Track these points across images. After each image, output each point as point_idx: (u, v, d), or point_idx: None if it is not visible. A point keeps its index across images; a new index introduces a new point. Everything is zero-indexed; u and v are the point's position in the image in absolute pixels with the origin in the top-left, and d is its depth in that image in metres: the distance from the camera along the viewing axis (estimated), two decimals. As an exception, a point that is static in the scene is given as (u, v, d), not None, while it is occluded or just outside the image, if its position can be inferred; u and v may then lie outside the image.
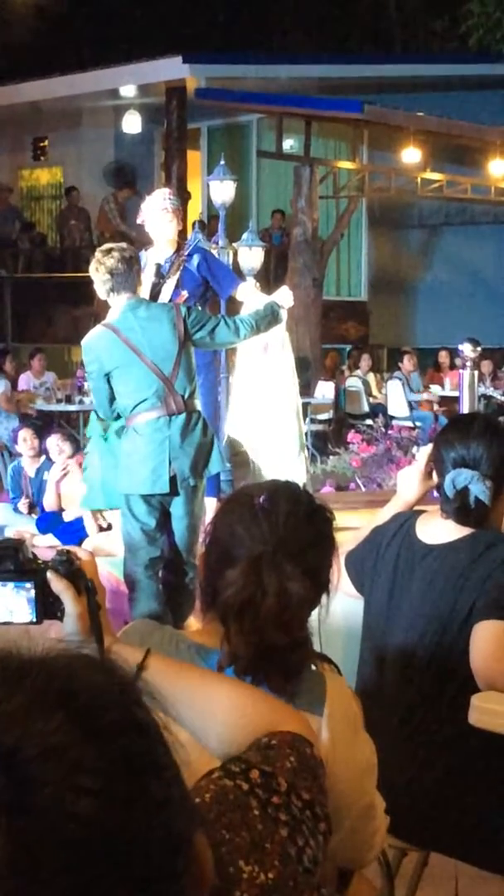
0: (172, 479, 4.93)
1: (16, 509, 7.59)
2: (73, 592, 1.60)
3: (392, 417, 12.28)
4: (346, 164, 14.86)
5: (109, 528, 6.24)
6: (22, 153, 18.60)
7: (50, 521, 6.90)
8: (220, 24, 21.54)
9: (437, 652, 2.58)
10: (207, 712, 1.49)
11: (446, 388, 14.09)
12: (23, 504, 7.57)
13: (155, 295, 6.01)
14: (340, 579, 1.94)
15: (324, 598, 1.88)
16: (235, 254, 7.66)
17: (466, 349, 5.28)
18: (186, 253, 6.19)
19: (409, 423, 11.50)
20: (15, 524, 7.26)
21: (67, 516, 6.82)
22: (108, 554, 5.62)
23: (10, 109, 16.62)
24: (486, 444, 2.65)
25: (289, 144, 14.58)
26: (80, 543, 5.82)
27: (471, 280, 16.91)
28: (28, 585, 1.62)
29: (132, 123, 16.60)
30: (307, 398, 11.51)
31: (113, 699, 0.89)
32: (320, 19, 21.81)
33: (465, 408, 5.24)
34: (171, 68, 14.81)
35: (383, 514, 2.86)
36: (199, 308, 5.63)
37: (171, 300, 5.94)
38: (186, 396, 5.00)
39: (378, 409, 13.21)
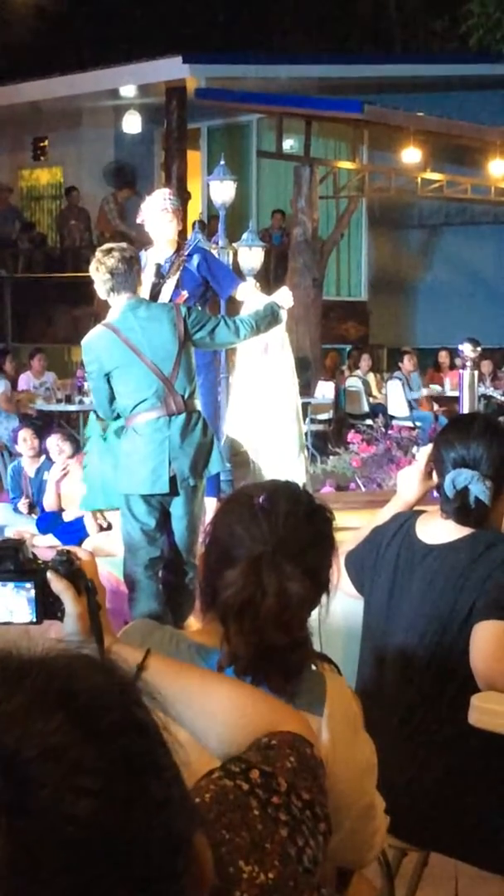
0: (172, 480, 4.93)
1: (16, 509, 7.59)
2: (73, 592, 1.60)
3: (392, 417, 12.27)
4: (346, 164, 14.86)
5: (109, 527, 6.24)
6: (22, 153, 18.61)
7: (50, 521, 6.90)
8: (220, 24, 21.53)
9: (437, 652, 2.58)
10: (207, 712, 1.49)
11: (446, 388, 14.09)
12: (23, 504, 7.56)
13: (155, 295, 6.01)
14: (340, 579, 1.94)
15: (324, 597, 1.88)
16: (235, 254, 7.66)
17: (466, 349, 5.28)
18: (186, 253, 6.19)
19: (409, 423, 11.50)
20: (15, 524, 7.26)
21: (67, 516, 6.82)
22: (108, 554, 5.62)
23: (10, 109, 16.62)
24: (486, 444, 2.65)
25: (289, 144, 14.58)
26: (80, 543, 5.82)
27: (471, 280, 16.91)
28: (28, 585, 1.62)
29: (132, 123, 16.60)
30: (307, 398, 11.51)
31: (113, 699, 0.89)
32: (320, 19, 21.80)
33: (465, 408, 5.24)
34: (171, 68, 14.81)
35: (383, 514, 2.86)
36: (199, 308, 5.63)
37: (171, 300, 5.94)
38: (186, 396, 5.00)
39: (378, 409, 13.20)
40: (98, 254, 5.07)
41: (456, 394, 9.69)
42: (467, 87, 16.04)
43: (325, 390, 13.31)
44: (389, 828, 1.95)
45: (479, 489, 2.61)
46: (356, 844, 1.85)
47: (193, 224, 12.21)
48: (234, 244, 7.70)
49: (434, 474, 2.77)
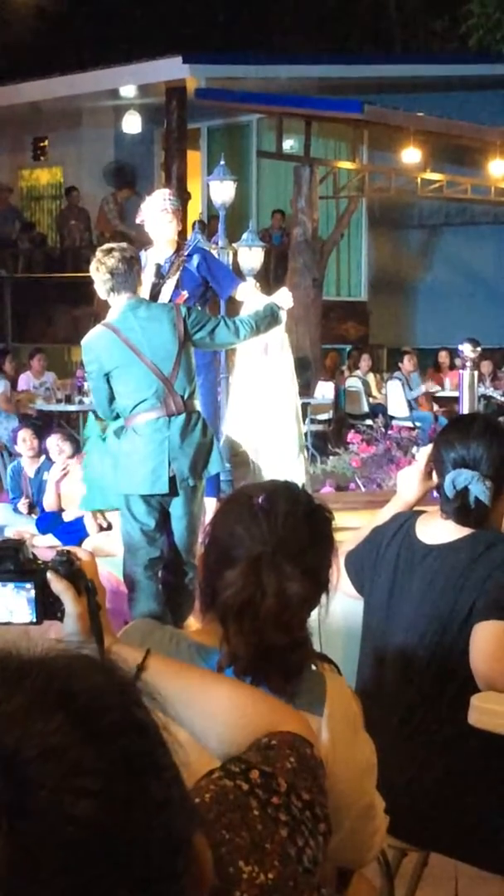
0: (172, 480, 4.93)
1: (16, 509, 7.59)
2: (74, 593, 1.60)
3: (392, 418, 12.27)
4: (346, 165, 14.86)
5: (109, 527, 6.24)
6: (22, 153, 18.61)
7: (50, 522, 6.90)
8: (220, 24, 21.54)
9: (437, 652, 2.58)
10: (207, 712, 1.49)
11: (446, 388, 14.09)
12: (23, 504, 7.57)
13: (155, 295, 6.01)
14: (340, 579, 1.94)
15: (323, 597, 1.88)
16: (235, 254, 7.66)
17: (466, 349, 5.28)
18: (186, 253, 6.19)
19: (409, 424, 11.50)
20: (15, 524, 7.26)
21: (67, 516, 6.82)
22: (108, 554, 5.62)
23: (10, 109, 16.62)
24: (486, 444, 2.65)
25: (289, 144, 14.58)
26: (80, 543, 5.82)
27: (471, 280, 16.91)
28: (28, 586, 1.62)
29: (132, 123, 16.60)
30: (307, 398, 11.51)
31: (113, 700, 0.89)
32: (320, 19, 21.80)
33: (465, 408, 5.25)
34: (171, 68, 14.81)
35: (383, 515, 2.87)
36: (199, 308, 5.63)
37: (170, 300, 5.94)
38: (186, 397, 5.00)
39: (378, 410, 13.20)
40: (98, 254, 5.07)
41: (456, 394, 9.68)
42: (467, 88, 16.04)
43: (324, 390, 13.31)
44: (389, 828, 1.95)
45: (479, 489, 2.61)
46: (356, 844, 1.85)
47: (193, 224, 12.21)
48: (234, 244, 7.70)
49: (434, 474, 2.77)
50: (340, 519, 2.06)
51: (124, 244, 5.36)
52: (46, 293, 15.83)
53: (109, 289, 5.02)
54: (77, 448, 7.16)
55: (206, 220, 14.48)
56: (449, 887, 2.79)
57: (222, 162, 7.99)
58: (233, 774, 1.23)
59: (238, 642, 1.72)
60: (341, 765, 1.75)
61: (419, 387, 13.83)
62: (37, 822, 0.80)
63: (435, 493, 2.78)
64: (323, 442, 11.57)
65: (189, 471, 4.96)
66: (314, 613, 1.88)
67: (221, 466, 5.62)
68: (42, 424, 10.69)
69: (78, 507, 6.37)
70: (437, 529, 2.68)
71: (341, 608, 2.34)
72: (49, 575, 1.61)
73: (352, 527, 2.97)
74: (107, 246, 5.18)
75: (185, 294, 6.05)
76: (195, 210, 15.47)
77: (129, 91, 16.08)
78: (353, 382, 14.02)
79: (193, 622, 4.86)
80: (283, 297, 5.55)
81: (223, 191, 7.86)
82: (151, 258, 6.14)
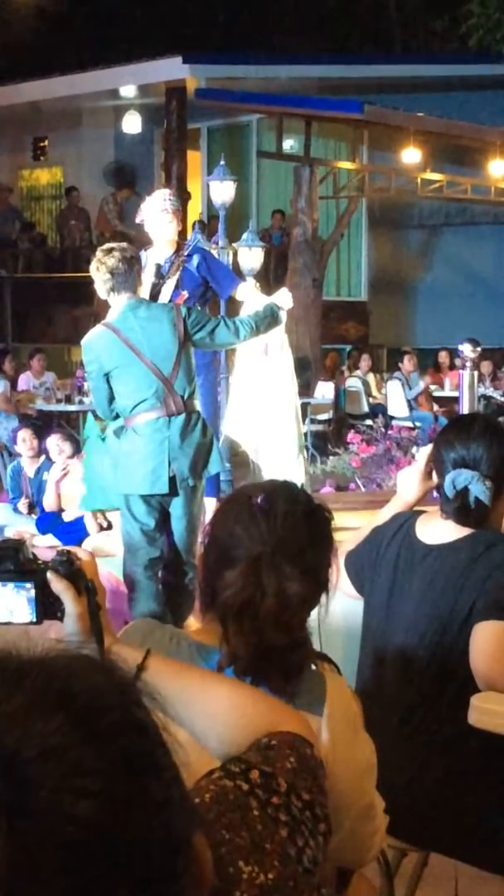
0: (172, 480, 4.93)
1: (15, 509, 7.59)
2: (74, 593, 1.60)
3: (392, 418, 12.27)
4: (346, 165, 14.86)
5: (110, 527, 6.24)
6: (22, 153, 18.61)
7: (50, 522, 6.90)
8: (220, 24, 21.54)
9: (437, 652, 2.58)
10: (207, 713, 1.49)
11: (446, 388, 14.09)
12: (22, 504, 7.56)
13: (155, 295, 6.01)
14: (339, 579, 1.94)
15: (323, 597, 1.88)
16: (235, 254, 7.66)
17: (466, 349, 5.28)
18: (186, 253, 6.19)
19: (409, 424, 11.49)
20: (15, 524, 7.26)
21: (67, 516, 6.82)
22: (108, 554, 5.62)
23: (10, 109, 16.62)
24: (486, 444, 2.65)
25: (289, 144, 14.58)
26: (80, 543, 5.82)
27: (471, 280, 16.91)
28: (28, 585, 1.62)
29: (132, 123, 16.60)
30: (307, 398, 11.51)
31: (113, 700, 0.89)
32: (320, 19, 21.80)
33: (464, 408, 5.25)
34: (171, 68, 14.81)
35: (383, 515, 2.86)
36: (199, 308, 5.63)
37: (170, 300, 5.94)
38: (186, 397, 5.00)
39: (378, 410, 13.20)
40: (98, 253, 5.07)
41: (456, 394, 9.68)
42: (467, 88, 16.04)
43: (324, 390, 13.31)
44: (389, 828, 1.95)
45: (479, 489, 2.61)
46: (356, 844, 1.85)
47: (193, 224, 12.21)
48: (234, 244, 7.70)
49: (434, 474, 2.77)
50: (340, 519, 2.06)
51: (124, 244, 5.36)
52: (46, 293, 15.83)
53: (109, 289, 5.02)
54: (77, 448, 7.16)
55: (206, 220, 14.48)
56: (449, 887, 2.79)
57: (222, 162, 7.98)
58: (233, 774, 1.23)
59: (238, 642, 1.72)
60: (341, 765, 1.75)
61: (418, 383, 13.80)
62: (37, 822, 0.80)
63: (435, 493, 2.78)
64: (323, 442, 11.56)
65: (189, 471, 4.96)
66: (314, 613, 1.88)
67: (221, 466, 5.62)
68: (42, 424, 10.69)
69: (78, 507, 6.37)
70: (437, 529, 2.68)
71: (341, 608, 2.34)
72: (49, 575, 1.61)
73: (352, 527, 2.97)
74: (107, 246, 5.18)
75: (185, 294, 6.05)
76: (195, 210, 15.47)
77: (129, 91, 16.08)
78: (353, 382, 14.02)
79: (193, 622, 4.86)
80: (283, 298, 5.55)
81: (223, 191, 7.86)
82: (151, 258, 6.14)
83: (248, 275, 7.35)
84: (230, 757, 1.31)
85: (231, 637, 1.73)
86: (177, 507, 5.02)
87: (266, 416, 6.27)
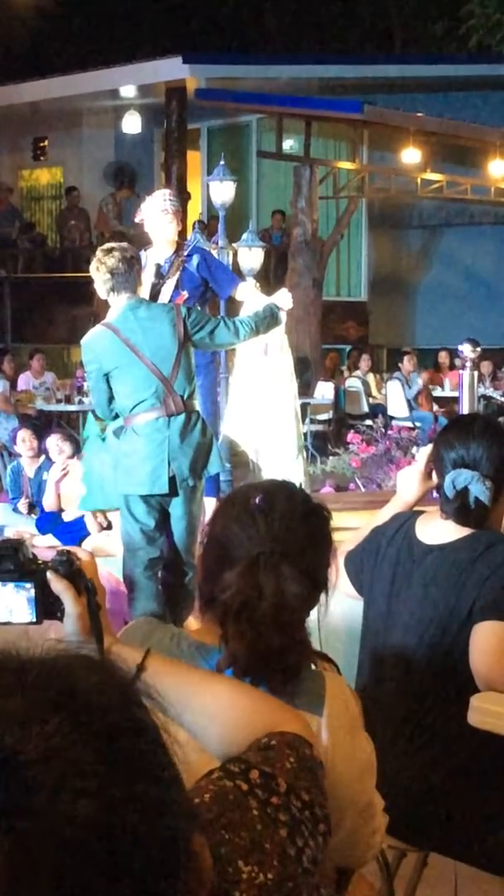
0: (172, 480, 4.93)
1: (15, 509, 7.59)
2: (73, 593, 1.60)
3: (392, 418, 12.27)
4: (345, 165, 14.86)
5: (109, 527, 6.24)
6: (22, 153, 18.61)
7: (50, 522, 6.90)
8: (220, 24, 21.55)
9: (437, 652, 2.58)
10: (207, 713, 1.49)
11: (446, 388, 14.09)
12: (22, 504, 7.57)
13: (154, 295, 6.01)
14: (339, 579, 1.94)
15: (323, 596, 1.87)
16: (235, 254, 7.66)
17: (466, 350, 5.28)
18: (186, 253, 6.19)
19: (409, 424, 11.50)
20: (15, 524, 7.26)
21: (67, 516, 6.81)
22: (108, 554, 5.62)
23: (10, 109, 16.62)
24: (485, 444, 2.65)
25: (289, 145, 14.58)
26: (80, 543, 5.82)
27: (471, 280, 16.91)
28: (28, 585, 1.62)
29: (132, 124, 16.60)
30: (307, 398, 11.52)
31: (112, 701, 0.89)
32: (320, 19, 21.81)
33: (464, 408, 5.25)
34: (171, 68, 14.81)
35: (383, 515, 2.86)
36: (199, 309, 5.63)
37: (170, 300, 5.94)
38: (186, 397, 4.99)
39: (378, 410, 13.20)
40: (99, 253, 5.07)
41: (456, 394, 9.68)
42: (467, 88, 16.05)
43: (324, 391, 13.31)
44: (389, 828, 1.95)
45: (479, 489, 2.61)
46: (356, 843, 1.84)
47: (193, 224, 12.22)
48: (234, 244, 7.70)
49: (434, 474, 2.77)
50: (340, 519, 2.06)
51: (125, 244, 5.35)
52: (46, 293, 15.83)
53: (109, 289, 5.02)
54: (77, 448, 7.16)
55: (206, 220, 14.48)
56: (448, 888, 2.79)
57: (222, 162, 7.99)
58: (232, 774, 1.23)
59: (237, 643, 1.72)
60: (341, 764, 1.75)
61: (417, 381, 13.78)
62: (37, 823, 0.80)
63: (435, 493, 2.78)
64: (323, 442, 11.57)
65: (189, 471, 4.95)
66: (313, 613, 1.88)
67: (221, 466, 5.62)
68: (42, 424, 10.70)
69: (78, 508, 6.36)
70: (437, 529, 2.68)
71: (341, 608, 2.34)
72: (49, 575, 1.61)
73: (351, 527, 2.97)
74: (107, 246, 5.18)
75: (184, 294, 6.05)
76: (195, 210, 15.47)
77: (129, 91, 16.08)
78: (352, 382, 14.02)
79: (193, 622, 4.86)
80: (283, 298, 5.55)
81: (223, 191, 7.86)
82: (151, 258, 6.14)
83: (248, 275, 7.35)
84: (230, 757, 1.31)
85: (230, 638, 1.73)
86: (176, 508, 5.02)
87: (266, 416, 6.27)
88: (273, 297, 5.59)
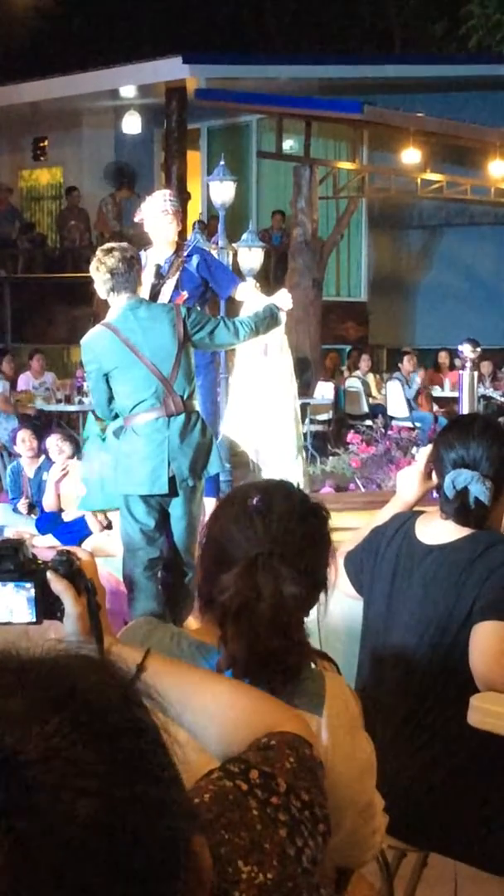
0: (171, 480, 4.93)
1: (15, 509, 7.59)
2: (73, 593, 1.60)
3: (392, 418, 12.27)
4: (345, 165, 14.86)
5: (109, 526, 6.24)
6: (22, 153, 18.61)
7: (49, 522, 6.90)
8: (220, 24, 21.55)
9: (437, 652, 2.58)
10: (207, 713, 1.49)
11: (446, 388, 14.09)
12: (22, 504, 7.56)
13: (154, 295, 6.01)
14: (339, 579, 1.94)
15: (322, 596, 1.87)
16: (235, 254, 7.66)
17: (466, 350, 5.28)
18: (186, 253, 6.19)
19: (409, 424, 11.50)
20: (15, 524, 7.26)
21: (67, 516, 6.81)
22: (108, 554, 5.62)
23: (10, 109, 16.63)
24: (485, 444, 2.65)
25: (289, 145, 14.58)
26: (80, 543, 5.82)
27: (471, 280, 16.91)
28: (28, 585, 1.62)
29: (132, 124, 16.61)
30: (307, 399, 11.52)
31: (113, 701, 0.89)
32: (320, 19, 21.82)
33: (464, 409, 5.25)
34: (171, 69, 14.81)
35: (383, 515, 2.86)
36: (199, 309, 5.63)
37: (170, 301, 5.94)
38: (185, 397, 5.00)
39: (378, 410, 13.20)
40: (99, 253, 5.07)
41: (456, 394, 9.68)
42: (467, 88, 16.05)
43: (324, 391, 13.31)
44: (389, 828, 1.95)
45: (479, 490, 2.61)
46: (355, 843, 1.84)
47: (193, 224, 12.22)
48: (234, 244, 7.70)
49: (434, 475, 2.77)
50: (340, 519, 2.06)
51: (125, 244, 5.35)
52: (46, 293, 15.84)
53: (109, 289, 5.02)
54: (77, 448, 7.16)
55: (206, 220, 14.48)
56: (448, 888, 2.79)
57: (222, 162, 7.99)
58: (232, 774, 1.23)
59: (236, 645, 1.72)
60: (341, 764, 1.75)
61: (416, 381, 13.78)
62: (37, 823, 0.80)
63: (435, 494, 2.78)
64: (323, 442, 11.57)
65: (188, 471, 4.96)
66: (313, 613, 1.88)
67: (221, 466, 5.62)
68: (42, 425, 10.70)
69: (77, 508, 6.36)
70: (437, 530, 2.68)
71: (341, 608, 2.34)
72: (49, 575, 1.61)
73: (351, 527, 2.97)
74: (107, 245, 5.18)
75: (184, 294, 6.05)
76: (195, 210, 15.47)
77: (129, 91, 16.08)
78: (352, 383, 14.02)
79: (193, 622, 4.86)
80: (283, 299, 5.55)
81: (223, 191, 7.86)
82: (151, 258, 6.14)
83: (248, 275, 7.36)
84: (229, 757, 1.31)
85: (229, 640, 1.73)
86: (176, 508, 5.02)
87: (265, 416, 6.27)
88: (273, 297, 5.60)
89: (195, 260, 6.17)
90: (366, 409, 13.65)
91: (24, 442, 7.74)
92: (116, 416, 5.13)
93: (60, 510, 6.92)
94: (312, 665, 1.87)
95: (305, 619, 1.83)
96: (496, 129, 14.19)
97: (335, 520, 1.94)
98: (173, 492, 4.96)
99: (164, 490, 4.92)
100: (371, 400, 13.99)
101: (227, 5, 21.76)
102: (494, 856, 2.55)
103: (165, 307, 5.33)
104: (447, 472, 2.66)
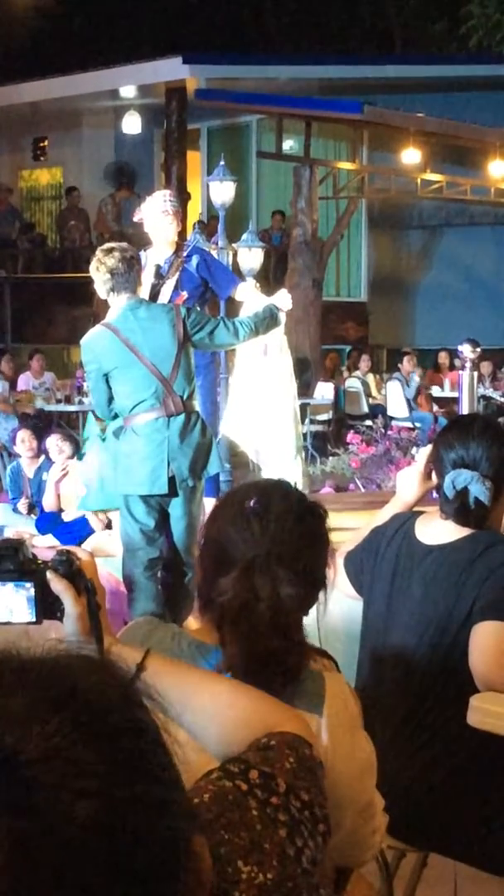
0: (171, 480, 4.93)
1: (15, 510, 7.59)
2: (73, 593, 1.60)
3: (391, 418, 12.27)
4: (345, 165, 14.86)
5: (110, 525, 6.24)
6: (22, 153, 18.61)
7: (49, 522, 6.90)
8: (220, 25, 21.55)
9: (437, 652, 2.58)
10: (207, 713, 1.49)
11: (446, 388, 14.09)
12: (22, 504, 7.56)
13: (154, 295, 6.01)
14: (339, 579, 1.94)
15: (321, 596, 1.87)
16: (235, 254, 7.66)
17: (466, 350, 5.28)
18: (185, 254, 6.19)
19: (409, 424, 11.50)
20: (15, 524, 7.25)
21: (67, 516, 6.81)
22: (108, 554, 5.62)
23: (10, 109, 16.63)
24: (485, 444, 2.65)
25: (289, 145, 14.58)
26: (80, 543, 5.82)
27: (471, 281, 16.91)
28: (28, 585, 1.62)
29: (132, 124, 16.61)
30: (307, 399, 11.52)
31: (113, 701, 0.89)
32: (320, 19, 21.82)
33: (464, 409, 5.25)
34: (171, 69, 14.81)
35: (382, 515, 2.86)
36: (199, 309, 5.63)
37: (170, 301, 5.94)
38: (185, 397, 5.00)
39: (377, 410, 13.20)
40: (99, 253, 5.07)
41: (456, 394, 9.68)
42: (467, 88, 16.05)
43: (324, 391, 13.31)
44: (388, 828, 1.95)
45: (479, 490, 2.61)
46: (355, 843, 1.84)
47: (193, 225, 12.22)
48: (234, 245, 7.70)
49: (433, 475, 2.77)
50: (340, 519, 2.07)
51: (125, 244, 5.35)
52: (46, 293, 15.84)
53: (109, 289, 5.02)
54: (77, 448, 7.16)
55: (206, 220, 14.48)
56: (448, 888, 2.79)
57: (222, 162, 7.99)
58: (232, 774, 1.23)
59: (235, 647, 1.72)
60: (341, 764, 1.75)
61: (415, 380, 13.77)
62: (37, 823, 0.80)
63: (435, 494, 2.78)
64: (322, 442, 11.57)
65: (188, 471, 4.96)
66: (313, 612, 1.88)
67: (221, 467, 5.62)
68: (42, 425, 10.69)
69: (77, 508, 6.36)
70: (437, 530, 2.68)
71: (341, 608, 2.34)
72: (49, 575, 1.61)
73: (351, 527, 2.97)
74: (107, 246, 5.18)
75: (184, 294, 6.05)
76: (195, 210, 15.47)
77: (129, 91, 16.08)
78: (352, 383, 14.03)
79: (193, 622, 4.86)
80: (283, 299, 5.55)
81: (223, 191, 7.86)
82: (151, 258, 6.14)
83: (248, 275, 7.36)
84: (229, 757, 1.31)
85: (228, 641, 1.73)
86: (176, 508, 5.02)
87: (265, 416, 6.27)
88: (273, 297, 5.60)
89: (195, 260, 6.17)
90: (366, 409, 13.65)
91: (24, 442, 7.74)
92: (116, 416, 5.13)
93: (60, 510, 6.92)
94: (312, 664, 1.87)
95: (305, 620, 1.83)
96: (496, 130, 14.19)
97: (335, 520, 1.94)
98: (173, 492, 4.96)
99: (163, 490, 4.93)
100: (371, 400, 13.99)
101: (227, 5, 21.76)
102: (494, 856, 2.55)
103: (165, 307, 5.33)
104: (447, 472, 2.66)
